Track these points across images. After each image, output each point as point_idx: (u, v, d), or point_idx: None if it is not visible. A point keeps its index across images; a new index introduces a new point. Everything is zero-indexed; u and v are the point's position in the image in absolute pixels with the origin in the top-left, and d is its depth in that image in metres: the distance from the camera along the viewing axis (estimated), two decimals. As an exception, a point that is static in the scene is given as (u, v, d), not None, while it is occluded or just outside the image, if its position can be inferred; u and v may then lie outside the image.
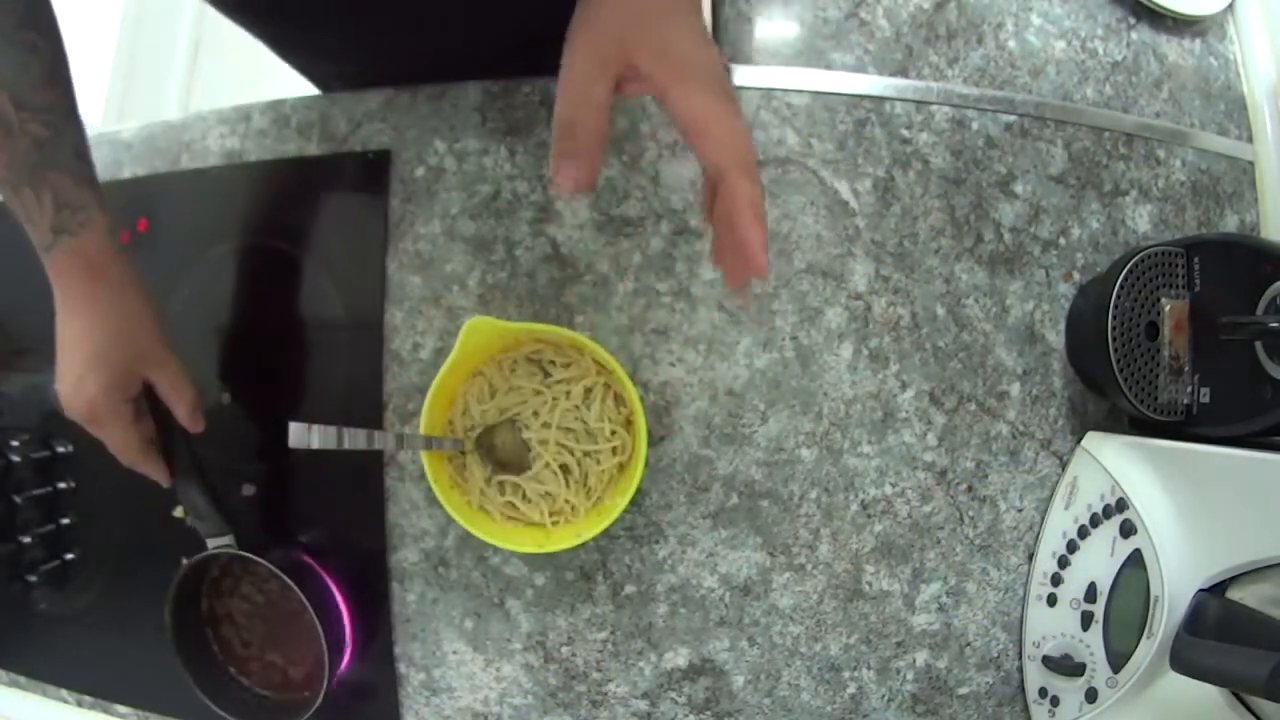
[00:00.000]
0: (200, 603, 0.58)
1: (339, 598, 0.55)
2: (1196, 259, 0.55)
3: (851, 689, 0.58)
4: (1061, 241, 0.61)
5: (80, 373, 0.47)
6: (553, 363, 0.52)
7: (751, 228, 0.36)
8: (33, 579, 0.63)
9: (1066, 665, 0.55)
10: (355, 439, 0.46)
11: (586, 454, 0.51)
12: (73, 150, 0.46)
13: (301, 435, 0.43)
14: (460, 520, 0.49)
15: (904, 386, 0.58)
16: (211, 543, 0.55)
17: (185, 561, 0.55)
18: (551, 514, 0.52)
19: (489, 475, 0.52)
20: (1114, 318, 0.54)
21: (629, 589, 0.57)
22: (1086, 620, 0.55)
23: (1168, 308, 0.55)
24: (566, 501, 0.52)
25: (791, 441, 0.57)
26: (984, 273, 0.60)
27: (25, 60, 0.43)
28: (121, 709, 0.63)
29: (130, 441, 0.50)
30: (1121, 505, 0.54)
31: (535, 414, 0.51)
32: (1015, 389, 0.60)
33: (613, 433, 0.52)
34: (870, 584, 0.58)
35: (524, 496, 0.52)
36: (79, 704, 0.64)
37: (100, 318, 0.47)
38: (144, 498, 0.56)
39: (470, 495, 0.52)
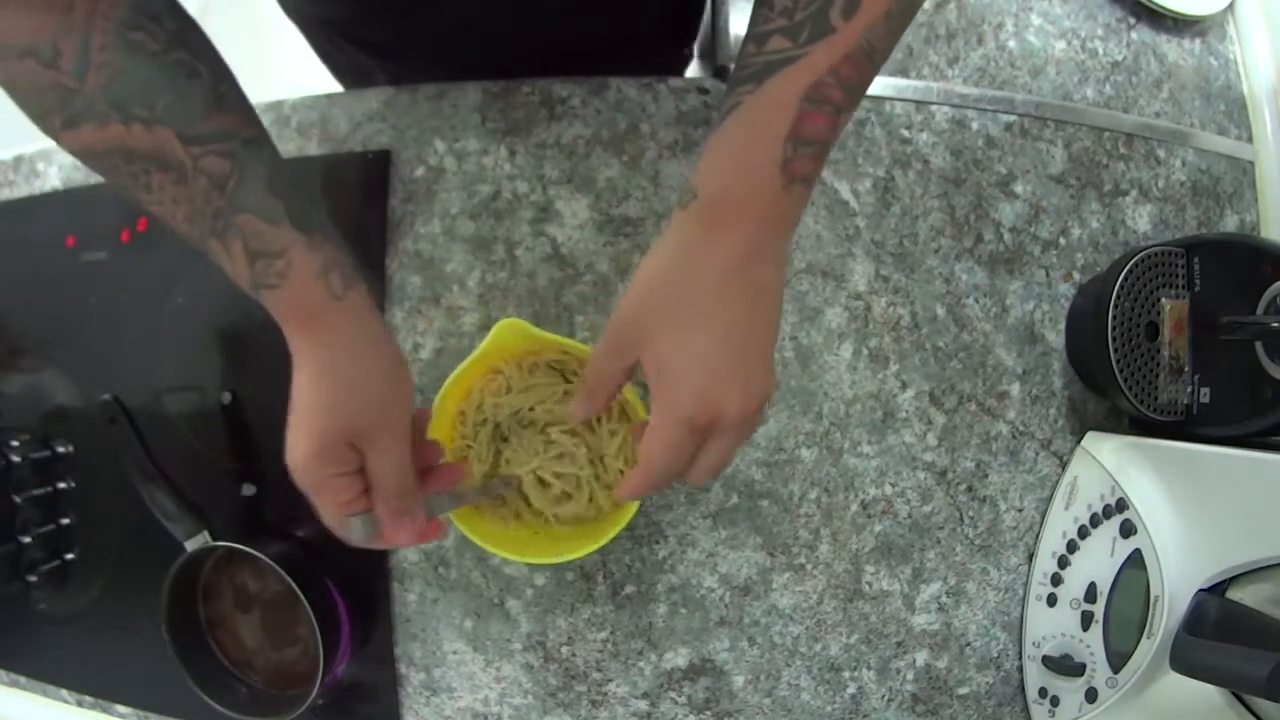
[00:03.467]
0: (197, 599, 0.58)
1: (335, 591, 0.55)
2: (1196, 259, 0.56)
3: (851, 689, 0.58)
4: (1061, 241, 0.61)
5: (292, 435, 0.40)
6: (575, 373, 0.52)
7: (631, 480, 0.39)
8: (33, 579, 0.63)
9: (1066, 665, 0.55)
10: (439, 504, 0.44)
11: (582, 478, 0.51)
12: (263, 184, 0.37)
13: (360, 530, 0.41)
14: (474, 536, 0.49)
15: (904, 386, 0.58)
16: (189, 543, 0.55)
17: (183, 555, 0.55)
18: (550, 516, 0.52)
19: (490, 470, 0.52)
20: (1114, 318, 0.54)
21: (629, 589, 0.57)
22: (1086, 620, 0.55)
23: (1168, 308, 0.55)
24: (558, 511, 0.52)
25: (791, 441, 0.57)
26: (984, 273, 0.60)
27: (184, 86, 0.36)
28: (121, 709, 0.63)
29: (335, 522, 0.41)
30: (1121, 505, 0.54)
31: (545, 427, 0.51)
32: (1015, 389, 0.60)
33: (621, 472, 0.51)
34: (870, 584, 0.58)
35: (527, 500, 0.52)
36: (79, 704, 0.64)
37: (316, 377, 0.39)
38: (143, 498, 0.56)
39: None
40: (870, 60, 0.36)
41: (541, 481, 0.50)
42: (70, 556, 0.64)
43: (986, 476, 0.59)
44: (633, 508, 0.47)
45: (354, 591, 0.57)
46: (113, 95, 0.35)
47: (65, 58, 0.34)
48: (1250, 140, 0.69)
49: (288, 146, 0.61)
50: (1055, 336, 0.61)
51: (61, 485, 0.64)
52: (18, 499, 0.62)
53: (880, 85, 0.60)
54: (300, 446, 0.39)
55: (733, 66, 0.39)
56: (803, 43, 0.35)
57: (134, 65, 0.35)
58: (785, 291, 0.57)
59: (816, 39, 0.34)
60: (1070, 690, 0.55)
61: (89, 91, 0.34)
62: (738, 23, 0.63)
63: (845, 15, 0.34)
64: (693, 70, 0.86)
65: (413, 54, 0.65)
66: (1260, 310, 0.51)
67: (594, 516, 0.51)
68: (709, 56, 0.81)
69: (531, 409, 0.51)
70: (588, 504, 0.51)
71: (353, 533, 0.41)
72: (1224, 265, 0.54)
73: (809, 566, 0.57)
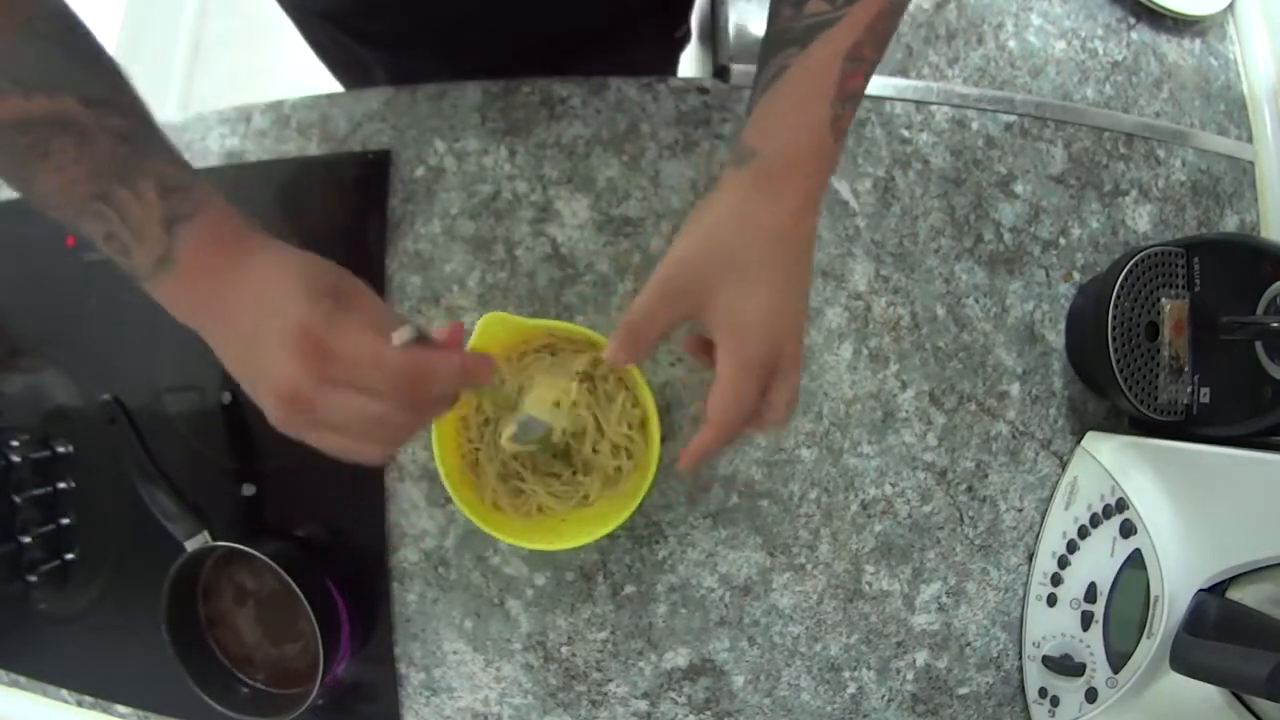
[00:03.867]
0: (197, 599, 0.58)
1: (335, 591, 0.55)
2: (1196, 259, 0.56)
3: (851, 689, 0.58)
4: (1061, 241, 0.61)
5: (275, 325, 0.34)
6: (563, 350, 0.52)
7: (706, 431, 0.40)
8: (33, 579, 0.62)
9: (1066, 665, 0.55)
10: None
11: (575, 436, 0.50)
12: (161, 137, 0.38)
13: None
14: (471, 514, 0.48)
15: (904, 386, 0.58)
16: (189, 543, 0.55)
17: (183, 555, 0.55)
18: (557, 499, 0.51)
19: (500, 470, 0.52)
20: (1114, 318, 0.54)
21: (629, 589, 0.57)
22: (1086, 620, 0.55)
23: (1168, 308, 0.55)
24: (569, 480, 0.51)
25: (791, 441, 0.57)
26: (984, 273, 0.60)
27: (89, 69, 0.37)
28: (121, 709, 0.63)
29: (378, 347, 0.34)
30: (1121, 505, 0.54)
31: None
32: (1015, 389, 0.60)
33: (629, 438, 0.51)
34: (870, 584, 0.58)
35: (533, 471, 0.52)
36: (79, 704, 0.64)
37: (266, 262, 0.36)
38: (143, 498, 0.56)
39: (483, 492, 0.52)
40: (895, 13, 0.38)
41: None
42: (70, 556, 0.64)
43: (986, 476, 0.59)
44: (637, 498, 0.47)
45: (354, 591, 0.57)
46: (14, 72, 0.35)
47: None
48: (1250, 140, 0.69)
49: (288, 146, 0.61)
50: (1055, 336, 0.61)
51: (61, 485, 0.64)
52: (18, 499, 0.62)
53: (880, 85, 0.60)
54: (291, 313, 0.34)
55: (752, 65, 0.41)
56: (841, 4, 0.37)
57: (36, 44, 0.35)
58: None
59: (853, 0, 0.37)
60: (1070, 690, 0.55)
61: None
62: (738, 23, 0.63)
63: None
64: (693, 58, 0.85)
65: (410, 43, 0.65)
66: (1260, 310, 0.51)
67: (605, 480, 0.52)
68: (708, 39, 0.81)
69: (522, 388, 0.50)
70: (592, 453, 0.51)
71: (398, 335, 0.35)
72: (1224, 265, 0.54)
73: (809, 566, 0.57)
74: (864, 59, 0.38)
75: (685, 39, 0.82)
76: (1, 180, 0.37)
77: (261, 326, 0.34)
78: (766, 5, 0.41)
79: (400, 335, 0.35)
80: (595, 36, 0.67)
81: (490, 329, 0.47)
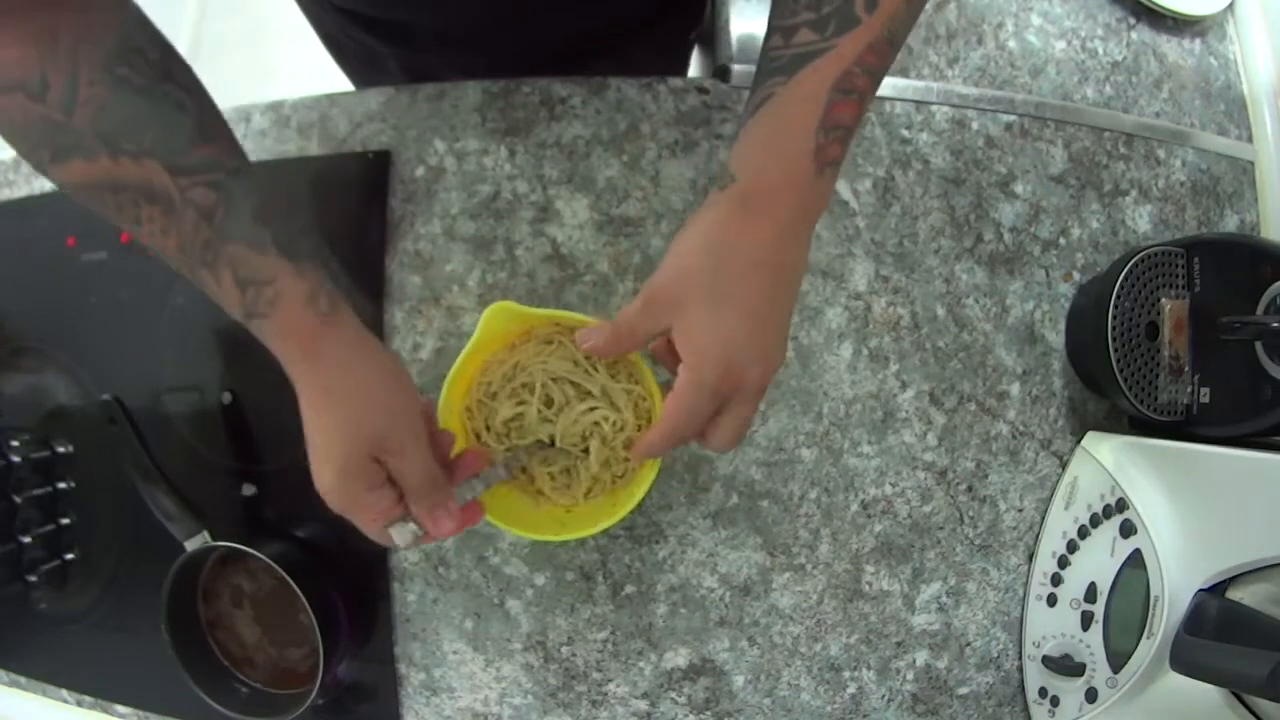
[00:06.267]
0: (197, 599, 0.58)
1: (335, 591, 0.55)
2: (1196, 259, 0.56)
3: (851, 689, 0.58)
4: (1061, 241, 0.61)
5: (315, 465, 0.40)
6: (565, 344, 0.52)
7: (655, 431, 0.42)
8: (33, 579, 0.63)
9: (1066, 665, 0.55)
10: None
11: (593, 409, 0.50)
12: (249, 213, 0.38)
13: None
14: (492, 517, 0.48)
15: (904, 386, 0.58)
16: (189, 543, 0.55)
17: (183, 555, 0.55)
18: (560, 483, 0.51)
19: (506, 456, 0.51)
20: (1114, 318, 0.54)
21: (629, 589, 0.57)
22: (1086, 620, 0.55)
23: (1168, 308, 0.55)
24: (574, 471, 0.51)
25: (791, 441, 0.57)
26: (984, 273, 0.60)
27: (170, 119, 0.37)
28: (121, 709, 0.63)
29: (376, 534, 0.42)
30: (1121, 505, 0.54)
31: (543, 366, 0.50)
32: (1015, 389, 0.60)
33: (635, 404, 0.50)
34: (870, 584, 0.58)
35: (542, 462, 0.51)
36: (79, 704, 0.64)
37: (322, 401, 0.40)
38: (143, 498, 0.56)
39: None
40: (891, 47, 0.38)
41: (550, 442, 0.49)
42: (70, 556, 0.64)
43: (986, 476, 0.59)
44: (643, 488, 0.47)
45: (354, 591, 0.57)
46: (101, 129, 0.35)
47: (54, 90, 0.35)
48: (1250, 140, 0.69)
49: (288, 146, 0.61)
50: (1055, 336, 0.61)
51: (61, 485, 0.64)
52: (18, 499, 0.62)
53: (881, 85, 0.60)
54: (326, 473, 0.40)
55: (753, 65, 0.41)
56: (829, 35, 0.36)
57: (121, 99, 0.36)
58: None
59: (843, 31, 0.36)
60: (1070, 690, 0.55)
61: (77, 126, 0.35)
62: (738, 23, 0.63)
63: (868, 8, 0.36)
64: (693, 58, 0.86)
65: (428, 40, 0.65)
66: (1260, 310, 0.51)
67: (612, 479, 0.51)
68: (708, 39, 0.81)
69: (523, 378, 0.50)
70: (600, 447, 0.49)
71: (397, 539, 0.41)
72: (1224, 265, 0.54)
73: (809, 566, 0.57)
74: (854, 90, 0.37)
75: (695, 42, 0.82)
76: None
77: (312, 452, 0.40)
78: (767, 5, 0.41)
79: (401, 537, 0.41)
80: (612, 37, 0.67)
81: (495, 318, 0.47)
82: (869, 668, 0.58)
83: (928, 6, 0.63)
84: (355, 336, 0.41)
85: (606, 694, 0.57)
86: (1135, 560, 0.52)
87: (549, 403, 0.48)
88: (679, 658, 0.57)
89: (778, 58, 0.38)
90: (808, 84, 0.37)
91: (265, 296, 0.38)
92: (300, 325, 0.39)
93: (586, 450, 0.49)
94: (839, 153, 0.39)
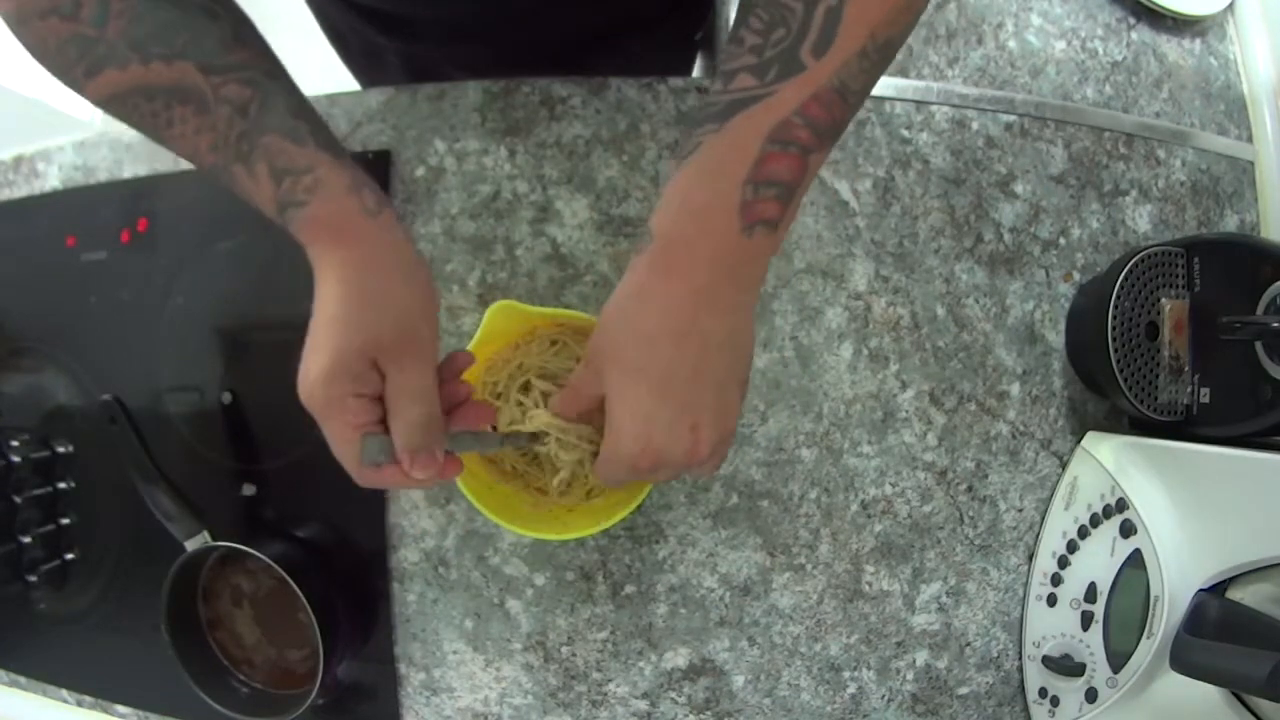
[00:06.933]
0: (197, 599, 0.58)
1: (335, 591, 0.55)
2: (1196, 259, 0.56)
3: (851, 689, 0.58)
4: (1061, 241, 0.61)
5: (307, 352, 0.37)
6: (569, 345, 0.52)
7: None
8: (33, 579, 0.63)
9: (1066, 665, 0.55)
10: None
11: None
12: (285, 108, 0.37)
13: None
14: (482, 507, 0.48)
15: (904, 386, 0.58)
16: (189, 543, 0.55)
17: (183, 555, 0.55)
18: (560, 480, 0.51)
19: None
20: (1114, 318, 0.54)
21: (629, 589, 0.57)
22: (1086, 620, 0.55)
23: (1168, 308, 0.55)
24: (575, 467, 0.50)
25: (791, 441, 0.57)
26: (984, 273, 0.60)
27: (203, 25, 0.36)
28: (121, 709, 0.63)
29: (345, 450, 0.37)
30: (1121, 505, 0.54)
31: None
32: (1015, 389, 0.60)
33: None
34: (870, 584, 0.58)
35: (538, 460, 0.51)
36: (79, 704, 0.64)
37: (341, 291, 0.37)
38: (143, 498, 0.56)
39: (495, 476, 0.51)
40: (843, 100, 0.34)
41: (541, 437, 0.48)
42: (70, 556, 0.64)
43: (986, 476, 0.59)
44: (644, 488, 0.47)
45: (354, 591, 0.57)
46: (132, 37, 0.35)
47: (85, 8, 0.35)
48: (1250, 140, 0.69)
49: (288, 146, 0.61)
50: (1055, 336, 0.61)
51: (61, 485, 0.64)
52: (18, 499, 0.62)
53: (880, 85, 0.60)
54: (315, 365, 0.36)
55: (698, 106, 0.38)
56: (769, 81, 0.33)
57: (152, 8, 0.36)
58: (785, 291, 0.57)
59: (785, 77, 0.33)
60: (1070, 690, 0.55)
61: (109, 38, 0.35)
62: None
63: (816, 53, 0.33)
64: (698, 61, 0.86)
65: (433, 36, 0.65)
66: (1260, 310, 0.51)
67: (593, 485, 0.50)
68: (708, 40, 0.81)
69: (526, 377, 0.50)
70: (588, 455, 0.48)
71: (364, 452, 0.37)
72: (1224, 265, 0.54)
73: (809, 566, 0.57)
74: (794, 142, 0.33)
75: (701, 42, 0.82)
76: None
77: (310, 343, 0.37)
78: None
79: (369, 453, 0.37)
80: (615, 34, 0.67)
81: (498, 317, 0.47)
82: (869, 668, 0.58)
83: (929, 7, 0.63)
84: (394, 241, 0.38)
85: (606, 694, 0.57)
86: (1135, 560, 0.52)
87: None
88: (679, 658, 0.57)
89: (713, 104, 0.34)
90: (738, 132, 0.33)
91: (304, 184, 0.36)
92: (338, 214, 0.37)
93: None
94: (774, 212, 0.34)
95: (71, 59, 0.36)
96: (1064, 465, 0.60)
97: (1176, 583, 0.50)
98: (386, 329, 0.37)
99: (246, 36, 0.38)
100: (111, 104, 0.37)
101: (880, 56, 0.35)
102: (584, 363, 0.40)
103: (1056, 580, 0.57)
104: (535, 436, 0.46)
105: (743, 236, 0.34)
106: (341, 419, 0.36)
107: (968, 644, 0.59)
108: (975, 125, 0.61)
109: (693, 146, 0.35)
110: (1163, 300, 0.55)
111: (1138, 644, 0.51)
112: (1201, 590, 0.49)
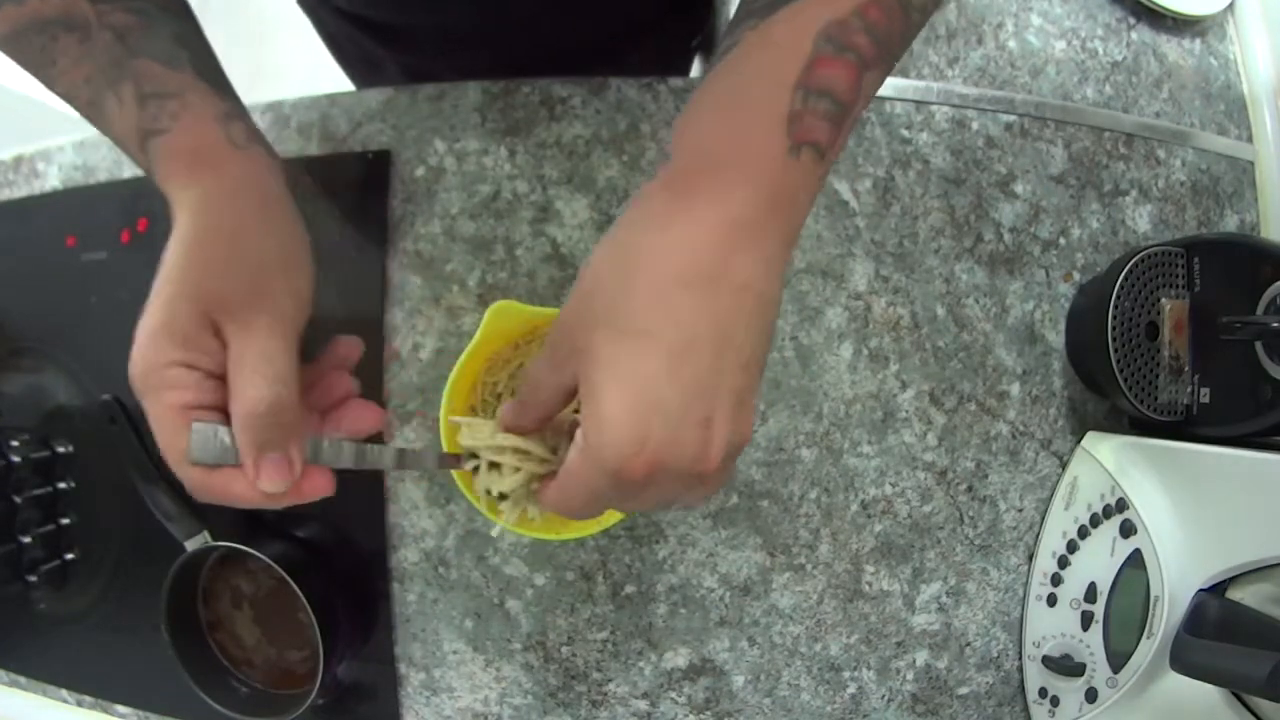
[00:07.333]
0: (197, 599, 0.58)
1: (335, 591, 0.55)
2: (1196, 259, 0.56)
3: (851, 689, 0.58)
4: (1061, 241, 0.61)
5: (146, 307, 0.30)
6: None
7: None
8: (33, 579, 0.63)
9: (1066, 665, 0.55)
10: (339, 453, 0.33)
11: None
12: (170, 35, 0.33)
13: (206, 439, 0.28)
14: (481, 507, 0.47)
15: (904, 386, 0.58)
16: (189, 543, 0.55)
17: (183, 555, 0.55)
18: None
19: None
20: (1114, 318, 0.54)
21: (629, 589, 0.57)
22: (1086, 620, 0.55)
23: (1168, 308, 0.55)
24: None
25: (791, 441, 0.57)
26: (984, 273, 0.60)
27: None
28: (121, 709, 0.63)
29: (167, 441, 0.29)
30: (1121, 505, 0.54)
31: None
32: (1015, 389, 0.60)
33: None
34: (870, 584, 0.58)
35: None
36: (79, 704, 0.64)
37: (188, 235, 0.31)
38: (143, 498, 0.56)
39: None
40: (904, 11, 0.28)
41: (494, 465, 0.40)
42: (70, 556, 0.64)
43: (986, 476, 0.59)
44: None
45: (354, 591, 0.57)
46: None
47: None
48: (1250, 140, 0.69)
49: (287, 147, 0.61)
50: (1055, 336, 0.61)
51: (61, 485, 0.64)
52: (18, 499, 0.62)
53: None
54: (143, 324, 0.29)
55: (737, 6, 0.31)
56: None
57: None
58: (785, 291, 0.57)
59: None
60: (1070, 690, 0.55)
61: None
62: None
63: None
64: (695, 68, 0.86)
65: (429, 45, 0.65)
66: (1260, 310, 0.51)
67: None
68: (709, 48, 0.81)
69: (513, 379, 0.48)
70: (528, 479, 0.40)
71: (191, 446, 0.28)
72: (1224, 265, 0.54)
73: (809, 566, 0.57)
74: (849, 47, 0.27)
75: (698, 48, 0.82)
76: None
77: (162, 272, 0.31)
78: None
79: (202, 447, 0.29)
80: (613, 42, 0.67)
81: (498, 317, 0.47)
82: (869, 668, 0.58)
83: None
84: (263, 179, 0.33)
85: (606, 694, 0.57)
86: (1135, 560, 0.52)
87: None
88: (679, 658, 0.57)
89: (754, 2, 0.28)
90: (786, 26, 0.27)
91: (169, 109, 0.31)
92: (199, 142, 0.32)
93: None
94: (824, 134, 0.27)
95: None
96: (1064, 465, 0.60)
97: (1176, 583, 0.50)
98: (231, 280, 0.30)
99: None
100: (9, 43, 0.34)
101: None
102: (546, 345, 0.31)
103: (1056, 580, 0.57)
104: (456, 458, 0.38)
105: (789, 157, 0.26)
106: (162, 397, 0.29)
107: (968, 644, 0.59)
108: (975, 125, 0.61)
109: (730, 44, 0.28)
110: (1163, 300, 0.55)
111: (1138, 644, 0.51)
112: (1201, 590, 0.49)
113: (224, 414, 0.29)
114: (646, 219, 0.28)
